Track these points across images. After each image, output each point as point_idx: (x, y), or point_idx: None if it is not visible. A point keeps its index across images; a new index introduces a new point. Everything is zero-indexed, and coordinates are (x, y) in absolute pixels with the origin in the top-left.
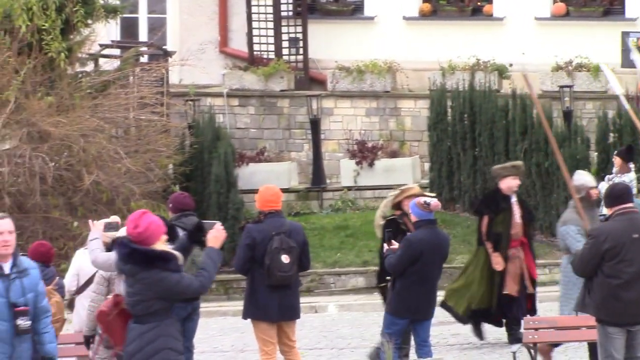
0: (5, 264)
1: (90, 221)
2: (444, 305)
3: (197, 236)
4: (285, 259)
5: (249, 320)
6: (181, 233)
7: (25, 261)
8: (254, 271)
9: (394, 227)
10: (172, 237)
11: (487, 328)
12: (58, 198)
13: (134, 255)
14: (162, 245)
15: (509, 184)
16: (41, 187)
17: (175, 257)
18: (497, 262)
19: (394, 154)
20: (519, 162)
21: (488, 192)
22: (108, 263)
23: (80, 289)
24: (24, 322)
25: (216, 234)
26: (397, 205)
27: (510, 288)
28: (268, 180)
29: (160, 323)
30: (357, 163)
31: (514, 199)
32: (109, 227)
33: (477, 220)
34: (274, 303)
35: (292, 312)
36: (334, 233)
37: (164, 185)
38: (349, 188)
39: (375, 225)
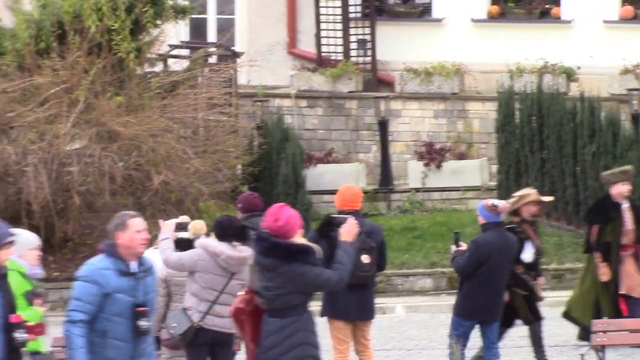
0: (133, 262)
1: (160, 221)
2: (567, 316)
3: (326, 230)
4: (365, 259)
5: (323, 319)
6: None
7: (147, 260)
8: None
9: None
10: (242, 237)
11: (555, 330)
12: (127, 198)
13: (275, 249)
14: (300, 238)
15: (619, 189)
16: (110, 187)
17: (315, 251)
18: (604, 273)
19: (461, 156)
20: (628, 167)
21: (598, 200)
22: (179, 263)
23: None
24: (145, 323)
25: (349, 228)
26: (516, 212)
27: (629, 287)
28: (336, 182)
29: (300, 317)
30: (425, 165)
31: (625, 205)
32: (179, 227)
33: (586, 228)
34: (352, 303)
35: (368, 312)
36: (401, 234)
37: (232, 186)
38: (417, 189)
39: None
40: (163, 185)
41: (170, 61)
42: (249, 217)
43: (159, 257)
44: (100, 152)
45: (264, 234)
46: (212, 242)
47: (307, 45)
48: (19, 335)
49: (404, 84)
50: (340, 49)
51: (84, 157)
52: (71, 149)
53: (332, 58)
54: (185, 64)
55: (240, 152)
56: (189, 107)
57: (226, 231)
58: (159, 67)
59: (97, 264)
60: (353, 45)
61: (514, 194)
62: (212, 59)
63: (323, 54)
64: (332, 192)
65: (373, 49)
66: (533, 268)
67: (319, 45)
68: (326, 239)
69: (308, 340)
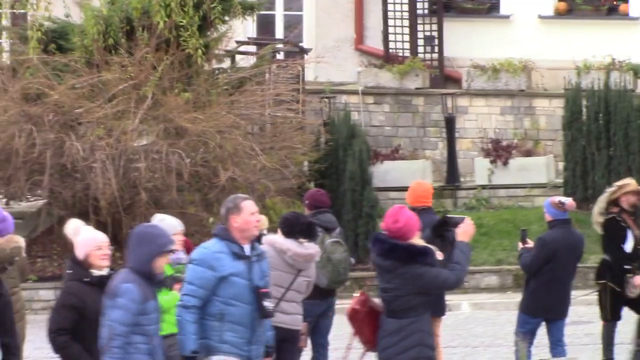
0: (246, 245)
1: None
2: None
3: (440, 230)
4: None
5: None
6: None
7: (258, 245)
8: None
9: (615, 225)
10: (309, 234)
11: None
12: (194, 194)
13: (394, 251)
14: (418, 240)
15: None
16: (177, 183)
17: (434, 252)
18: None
19: (528, 153)
20: None
21: None
22: None
23: None
24: (269, 304)
25: (466, 228)
26: (615, 202)
27: None
28: (402, 179)
29: (419, 318)
30: (492, 162)
31: None
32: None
33: None
34: None
35: (440, 309)
36: None
37: (299, 182)
38: (483, 187)
39: (594, 222)
40: (230, 182)
41: (237, 57)
42: (315, 213)
43: None
44: (167, 148)
45: (383, 235)
46: (279, 239)
47: (374, 41)
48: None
49: (470, 81)
50: (407, 45)
51: (151, 153)
52: (139, 145)
53: (399, 55)
54: (252, 60)
55: (307, 148)
56: (256, 104)
57: (293, 228)
58: (226, 64)
59: (210, 247)
60: (420, 42)
61: (613, 184)
62: (280, 56)
63: (390, 51)
64: (399, 189)
65: (440, 45)
66: (634, 259)
67: (386, 41)
68: (440, 238)
69: (425, 341)
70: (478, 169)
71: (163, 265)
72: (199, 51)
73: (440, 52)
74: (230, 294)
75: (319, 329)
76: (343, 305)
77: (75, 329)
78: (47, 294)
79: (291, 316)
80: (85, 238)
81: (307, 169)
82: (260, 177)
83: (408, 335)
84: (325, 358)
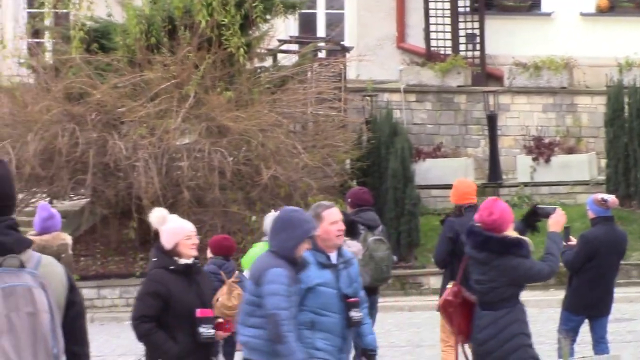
0: (332, 254)
1: (272, 211)
2: None
3: (531, 221)
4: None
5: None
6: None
7: (347, 251)
8: (453, 265)
9: None
10: (353, 233)
11: None
12: (236, 192)
13: (488, 243)
14: (511, 231)
15: None
16: (220, 182)
17: (527, 244)
18: None
19: (570, 150)
20: None
21: None
22: None
23: None
24: (357, 314)
25: (558, 219)
26: None
27: None
28: (444, 176)
29: (514, 308)
30: (534, 159)
31: None
32: None
33: None
34: None
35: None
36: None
37: (341, 180)
38: (525, 184)
39: None
40: (272, 180)
41: (279, 56)
42: (358, 211)
43: None
44: (209, 147)
45: (477, 227)
46: None
47: (415, 39)
48: (205, 330)
49: (512, 78)
50: (449, 43)
51: (193, 151)
52: (181, 144)
53: (441, 52)
54: (294, 58)
55: (349, 146)
56: (298, 102)
57: None
58: (268, 62)
59: None
60: (462, 40)
61: None
62: (322, 54)
63: (432, 49)
64: (441, 187)
65: (482, 43)
66: None
67: (427, 39)
68: (531, 229)
69: (523, 330)
70: (520, 167)
71: (304, 250)
72: (241, 50)
73: (482, 49)
74: (319, 304)
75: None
76: (385, 303)
77: (160, 317)
78: (90, 293)
79: None
80: (174, 227)
81: (349, 167)
82: (302, 175)
83: (506, 327)
84: None
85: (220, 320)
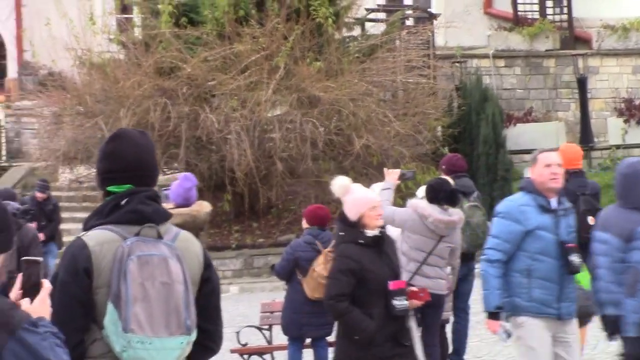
0: (553, 199)
1: (385, 169)
2: None
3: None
4: (591, 220)
5: None
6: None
7: (565, 199)
8: None
9: None
10: (453, 201)
11: None
12: (329, 162)
13: None
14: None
15: None
16: (312, 152)
17: None
18: None
19: None
20: None
21: None
22: (391, 217)
23: None
24: (577, 259)
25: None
26: None
27: None
28: (535, 141)
29: None
30: (625, 121)
31: None
32: (403, 177)
33: None
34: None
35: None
36: (603, 191)
37: (433, 148)
38: (617, 146)
39: None
40: (364, 149)
41: (367, 25)
42: (452, 178)
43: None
44: (301, 117)
45: None
46: (422, 204)
47: (502, 4)
48: (399, 302)
49: (601, 41)
50: (536, 7)
51: (285, 123)
52: (272, 116)
53: (529, 17)
54: (382, 27)
55: (439, 113)
56: (388, 71)
57: (437, 194)
58: (356, 32)
59: (516, 200)
60: (549, 4)
61: None
62: (409, 22)
63: (519, 13)
64: (532, 152)
65: (569, 6)
66: None
67: (514, 4)
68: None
69: None
70: (611, 129)
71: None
72: (329, 20)
73: (569, 13)
74: (537, 249)
75: (459, 294)
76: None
77: (354, 293)
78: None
79: (434, 280)
80: (358, 197)
81: (441, 134)
82: (394, 143)
83: None
84: (466, 322)
85: (414, 288)
